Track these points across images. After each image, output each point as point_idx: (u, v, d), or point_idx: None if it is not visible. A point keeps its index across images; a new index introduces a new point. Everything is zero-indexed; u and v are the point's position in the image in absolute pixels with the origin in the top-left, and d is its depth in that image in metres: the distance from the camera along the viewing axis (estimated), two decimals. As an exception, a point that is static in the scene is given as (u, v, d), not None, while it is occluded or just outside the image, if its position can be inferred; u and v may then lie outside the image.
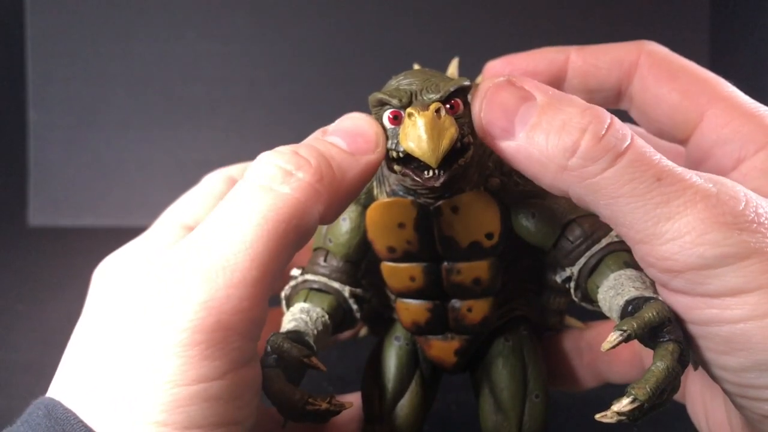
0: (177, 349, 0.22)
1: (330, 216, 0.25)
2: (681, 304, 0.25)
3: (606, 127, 0.24)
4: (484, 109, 0.25)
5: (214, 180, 0.33)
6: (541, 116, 0.24)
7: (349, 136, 0.26)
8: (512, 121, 0.25)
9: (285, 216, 0.24)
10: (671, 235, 0.23)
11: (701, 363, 0.26)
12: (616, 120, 0.24)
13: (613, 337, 0.24)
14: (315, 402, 0.26)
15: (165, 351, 0.22)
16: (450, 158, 0.25)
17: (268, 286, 0.24)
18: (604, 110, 0.25)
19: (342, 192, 0.25)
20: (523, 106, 0.25)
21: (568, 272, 0.29)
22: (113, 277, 0.29)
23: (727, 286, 0.23)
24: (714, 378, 0.26)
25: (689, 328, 0.25)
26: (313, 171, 0.24)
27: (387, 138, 0.26)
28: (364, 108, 0.28)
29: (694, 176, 0.24)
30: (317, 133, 0.27)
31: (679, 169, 0.24)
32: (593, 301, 0.29)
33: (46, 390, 0.25)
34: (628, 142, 0.24)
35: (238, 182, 0.25)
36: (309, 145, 0.26)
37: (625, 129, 0.24)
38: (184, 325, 0.23)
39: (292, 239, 0.24)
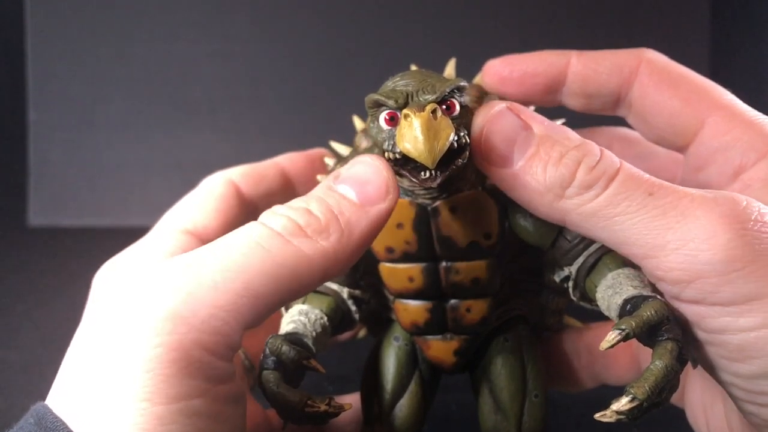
0: (151, 365, 0.22)
1: (337, 270, 0.25)
2: (694, 313, 0.24)
3: (598, 159, 0.25)
4: (483, 135, 0.26)
5: (212, 183, 0.33)
6: (538, 147, 0.25)
7: (358, 184, 0.26)
8: (511, 150, 0.26)
9: (288, 262, 0.24)
10: (674, 245, 0.23)
11: (710, 368, 0.26)
12: (606, 151, 0.25)
13: (612, 336, 0.24)
14: (314, 404, 0.26)
15: (140, 367, 0.22)
16: (447, 159, 0.25)
17: (254, 319, 0.24)
18: (595, 144, 0.26)
19: (350, 248, 0.25)
20: (521, 135, 0.26)
21: (566, 272, 0.29)
22: (111, 284, 0.28)
23: (738, 293, 0.23)
24: (722, 383, 0.26)
25: (700, 335, 0.25)
26: (321, 229, 0.25)
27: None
28: (362, 108, 0.28)
29: (687, 188, 0.24)
30: (329, 180, 0.27)
31: (670, 184, 0.24)
32: (592, 301, 0.29)
33: (46, 390, 0.25)
34: (617, 167, 0.25)
35: (250, 222, 0.25)
36: (320, 199, 0.26)
37: (614, 158, 0.25)
38: (162, 339, 0.22)
39: (290, 286, 0.24)
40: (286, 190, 0.34)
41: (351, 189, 0.26)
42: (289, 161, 0.35)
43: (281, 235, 0.24)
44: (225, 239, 0.24)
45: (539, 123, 0.26)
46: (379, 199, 0.25)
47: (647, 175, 0.25)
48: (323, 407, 0.26)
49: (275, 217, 0.25)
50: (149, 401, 0.22)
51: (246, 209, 0.33)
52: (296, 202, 0.26)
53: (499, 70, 0.32)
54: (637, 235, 0.24)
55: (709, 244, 0.23)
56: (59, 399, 0.24)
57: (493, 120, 0.26)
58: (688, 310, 0.25)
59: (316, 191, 0.26)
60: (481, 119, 0.26)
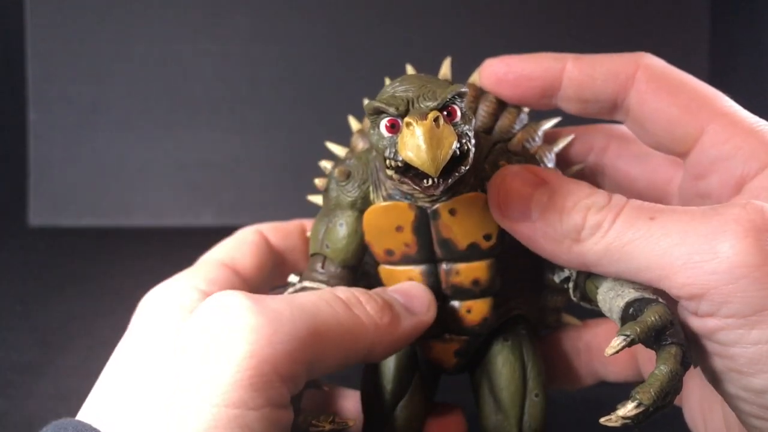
0: (230, 366, 0.23)
1: (381, 350, 0.28)
2: (710, 328, 0.24)
3: (606, 201, 0.26)
4: (501, 194, 0.28)
5: (245, 232, 0.36)
6: (553, 199, 0.27)
7: (406, 296, 0.29)
8: (528, 205, 0.27)
9: (347, 323, 0.26)
10: (682, 260, 0.24)
11: (717, 382, 0.26)
12: (615, 194, 0.27)
13: (617, 342, 0.24)
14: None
15: (218, 367, 0.23)
16: (449, 166, 0.25)
17: (312, 363, 0.25)
18: (604, 191, 0.27)
19: (395, 335, 0.28)
20: (537, 191, 0.27)
21: (566, 272, 0.29)
22: (162, 306, 0.30)
23: (749, 303, 0.23)
24: (729, 396, 0.25)
25: (711, 346, 0.25)
26: (378, 308, 0.28)
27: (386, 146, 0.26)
28: (360, 108, 0.28)
29: (687, 207, 0.25)
30: (379, 289, 0.30)
31: (671, 207, 0.25)
32: (592, 301, 0.29)
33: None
34: (624, 203, 0.26)
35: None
36: (377, 293, 0.29)
37: (621, 198, 0.26)
38: (245, 347, 0.23)
39: (345, 345, 0.26)
40: (307, 247, 0.38)
41: (401, 297, 0.29)
42: (310, 223, 0.38)
43: (345, 302, 0.27)
44: (298, 294, 0.27)
45: (553, 178, 0.28)
46: (422, 311, 0.29)
47: (651, 204, 0.25)
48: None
49: (340, 290, 0.28)
50: (213, 404, 0.23)
51: (275, 257, 0.36)
52: (357, 289, 0.29)
53: (496, 70, 0.32)
54: (647, 260, 0.24)
55: (712, 254, 0.23)
56: (97, 416, 0.25)
57: (510, 178, 0.27)
58: (705, 325, 0.24)
59: (373, 291, 0.29)
60: (498, 179, 0.28)
